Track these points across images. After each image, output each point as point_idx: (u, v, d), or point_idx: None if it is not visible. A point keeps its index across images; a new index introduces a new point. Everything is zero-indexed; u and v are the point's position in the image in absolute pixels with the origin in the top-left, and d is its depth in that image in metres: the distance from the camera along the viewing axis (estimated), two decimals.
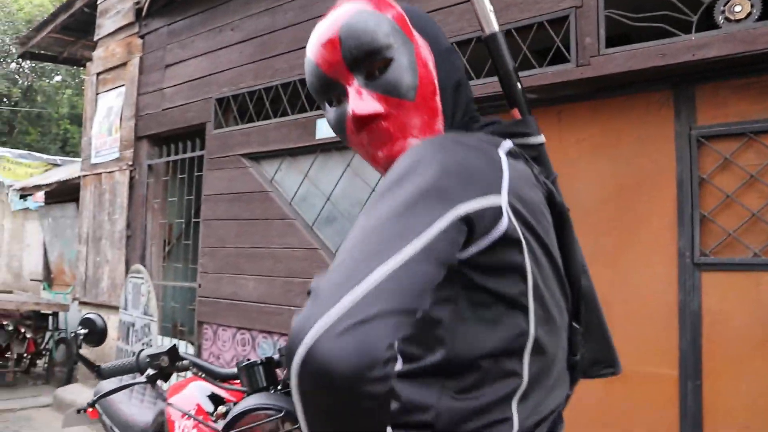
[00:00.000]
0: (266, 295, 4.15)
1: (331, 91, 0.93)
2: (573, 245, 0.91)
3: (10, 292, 8.54)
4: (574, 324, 0.92)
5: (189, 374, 1.80)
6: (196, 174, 4.87)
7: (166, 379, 1.68)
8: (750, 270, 2.59)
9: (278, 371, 1.56)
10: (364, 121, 0.89)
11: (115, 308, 5.57)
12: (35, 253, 10.63)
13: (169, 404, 1.73)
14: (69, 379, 6.67)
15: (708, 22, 2.67)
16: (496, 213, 0.73)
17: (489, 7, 0.96)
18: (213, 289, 4.53)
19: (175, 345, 1.67)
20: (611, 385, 2.86)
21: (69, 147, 24.86)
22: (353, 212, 3.83)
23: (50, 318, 7.13)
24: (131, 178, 5.43)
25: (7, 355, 6.72)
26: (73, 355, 1.91)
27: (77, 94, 26.47)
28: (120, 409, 2.21)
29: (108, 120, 5.76)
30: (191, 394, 1.73)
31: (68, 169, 8.95)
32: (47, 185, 7.71)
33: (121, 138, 5.55)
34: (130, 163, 5.43)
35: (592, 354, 1.00)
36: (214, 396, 1.70)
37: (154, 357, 1.65)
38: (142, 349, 1.73)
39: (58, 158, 12.28)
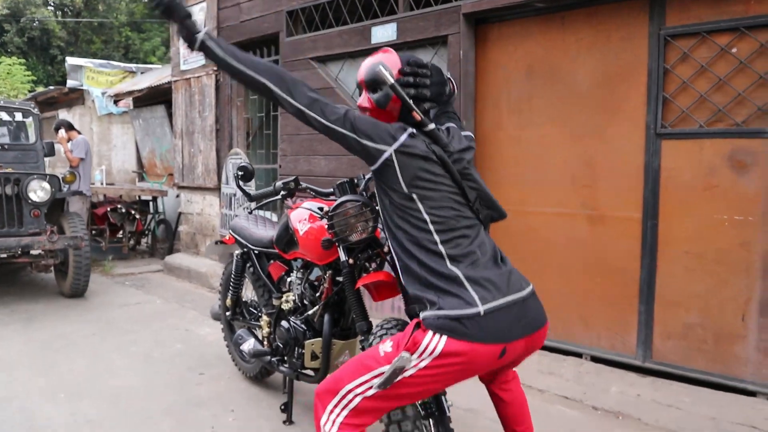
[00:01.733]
0: (335, 170, 5.24)
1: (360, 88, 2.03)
2: (454, 172, 1.91)
3: (112, 184, 9.98)
4: (468, 200, 1.93)
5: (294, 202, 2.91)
6: None
7: (291, 196, 2.75)
8: (696, 138, 3.49)
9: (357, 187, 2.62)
10: (362, 109, 1.99)
11: (209, 189, 6.83)
12: (120, 152, 12.06)
13: (289, 217, 2.84)
14: (170, 251, 8.10)
15: None
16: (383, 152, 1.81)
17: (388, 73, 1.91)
18: (291, 168, 5.65)
19: (296, 176, 2.75)
20: (594, 227, 3.88)
21: (131, 53, 26.13)
22: None
23: (150, 203, 8.50)
24: (217, 81, 6.50)
25: (119, 234, 8.16)
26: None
27: (134, 1, 27.43)
28: (250, 232, 3.36)
29: None
30: (303, 209, 2.81)
31: (150, 76, 10.08)
32: (138, 90, 8.88)
33: None
34: (215, 68, 6.48)
35: (488, 212, 2.02)
36: (321, 209, 2.78)
37: (286, 183, 2.72)
38: (275, 182, 2.80)
39: (132, 65, 13.43)
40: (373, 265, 2.53)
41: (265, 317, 3.13)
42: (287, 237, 2.85)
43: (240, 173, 2.82)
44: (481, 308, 1.71)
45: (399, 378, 1.72)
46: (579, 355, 3.96)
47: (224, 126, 6.54)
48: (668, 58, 3.58)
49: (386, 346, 1.82)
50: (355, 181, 2.61)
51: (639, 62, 3.69)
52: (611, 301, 3.83)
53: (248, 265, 3.40)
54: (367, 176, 2.59)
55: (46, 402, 3.35)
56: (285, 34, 5.65)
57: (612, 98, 3.80)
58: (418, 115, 1.90)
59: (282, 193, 2.74)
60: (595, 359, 3.89)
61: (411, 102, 1.91)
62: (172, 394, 3.46)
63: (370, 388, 1.76)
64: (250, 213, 3.01)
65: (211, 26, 6.50)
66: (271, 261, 3.21)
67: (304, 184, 2.77)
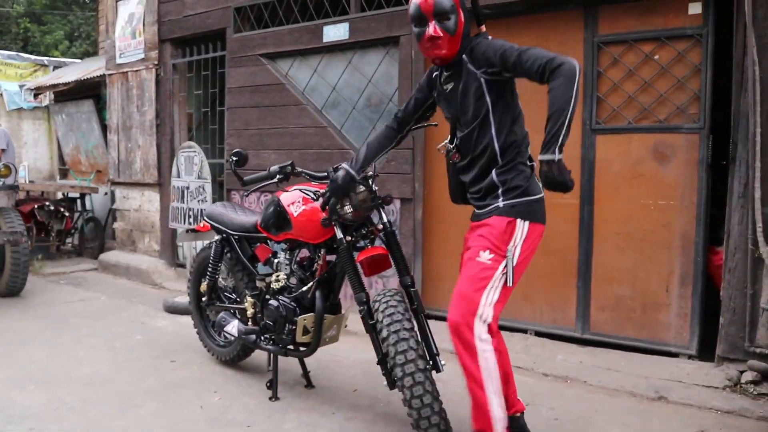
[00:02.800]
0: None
1: (421, 20, 2.29)
2: None
3: (32, 182, 9.57)
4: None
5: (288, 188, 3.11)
6: (219, 71, 5.98)
7: (287, 180, 2.94)
8: (626, 133, 3.98)
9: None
10: (432, 38, 2.27)
11: (149, 185, 6.78)
12: (32, 150, 11.52)
13: (279, 201, 3.04)
14: (102, 250, 7.91)
15: None
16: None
17: None
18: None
19: (292, 161, 2.94)
20: None
21: (31, 46, 24.72)
22: (353, 98, 5.05)
23: (78, 201, 8.26)
24: (157, 75, 6.48)
25: (44, 234, 7.86)
26: (231, 172, 2.96)
27: None
28: (229, 218, 3.50)
29: (131, 25, 6.71)
30: (295, 192, 3.02)
31: (75, 69, 9.74)
32: (65, 84, 8.59)
33: (145, 41, 6.54)
34: (156, 62, 6.46)
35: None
36: (315, 193, 2.97)
37: (283, 167, 2.91)
38: (272, 167, 2.98)
39: (44, 59, 12.84)
40: (365, 242, 2.78)
41: (249, 299, 3.29)
42: (277, 219, 3.04)
43: (234, 158, 2.97)
44: (543, 194, 2.41)
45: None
46: (524, 331, 4.36)
47: (165, 121, 6.53)
48: (601, 62, 4.04)
49: (485, 255, 2.29)
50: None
51: None
52: (552, 279, 4.26)
53: (226, 250, 3.54)
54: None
55: (17, 392, 3.34)
56: (232, 30, 5.75)
57: None
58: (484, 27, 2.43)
59: (278, 177, 2.92)
60: (539, 334, 4.31)
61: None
62: (148, 379, 3.55)
63: (497, 288, 2.28)
64: (247, 196, 3.15)
65: (152, 20, 6.48)
66: (257, 244, 3.37)
67: (299, 169, 2.96)
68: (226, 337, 3.78)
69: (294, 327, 2.97)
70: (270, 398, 3.21)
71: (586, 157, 4.10)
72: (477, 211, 2.50)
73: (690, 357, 3.79)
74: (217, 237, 3.56)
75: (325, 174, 2.91)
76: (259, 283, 3.27)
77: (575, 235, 4.17)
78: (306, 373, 3.39)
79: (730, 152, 3.61)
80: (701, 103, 3.73)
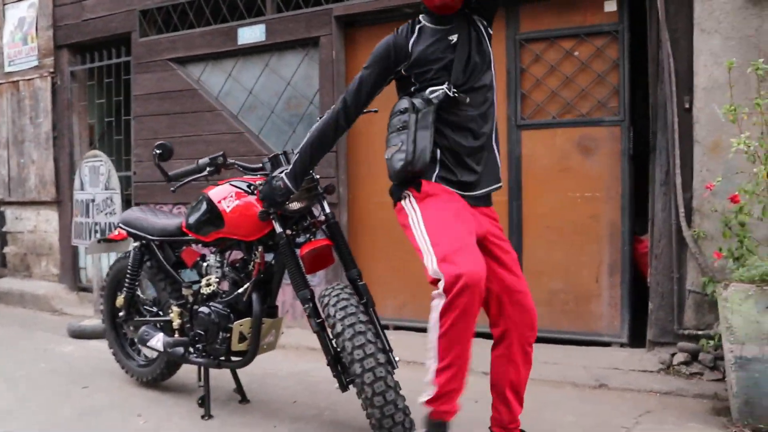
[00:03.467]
0: None
1: None
2: None
3: None
4: None
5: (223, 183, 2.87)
6: (123, 78, 5.59)
7: (218, 173, 2.70)
8: (550, 127, 4.04)
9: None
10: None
11: (46, 203, 6.22)
12: None
13: (208, 197, 2.80)
14: None
15: None
16: None
17: None
18: (148, 175, 5.38)
19: (224, 152, 2.71)
20: None
21: None
22: (271, 101, 4.86)
23: None
24: (53, 84, 5.98)
25: None
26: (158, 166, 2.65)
27: None
28: (148, 222, 3.20)
29: (21, 30, 6.17)
30: (226, 187, 2.79)
31: None
32: None
33: (38, 47, 6.03)
34: (51, 70, 5.97)
35: None
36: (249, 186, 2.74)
37: (213, 158, 2.67)
38: (200, 159, 2.73)
39: None
40: (307, 236, 2.61)
41: (175, 308, 3.01)
42: (205, 218, 2.80)
43: (158, 151, 2.70)
44: None
45: None
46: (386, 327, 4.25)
47: (63, 133, 6.03)
48: (524, 59, 4.10)
49: None
50: (288, 153, 2.67)
51: (498, 62, 4.12)
52: None
53: (145, 258, 3.24)
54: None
55: None
56: (138, 34, 5.41)
57: None
58: None
59: (208, 169, 2.69)
60: (478, 334, 4.23)
61: None
62: (62, 409, 3.15)
63: None
64: (174, 191, 2.87)
65: (46, 24, 5.99)
66: (182, 248, 3.10)
67: (231, 160, 2.74)
68: (146, 356, 3.45)
69: (228, 335, 2.74)
70: (203, 417, 2.93)
71: (512, 153, 4.12)
72: (481, 189, 2.33)
73: (622, 345, 3.85)
74: (135, 244, 3.25)
75: (260, 166, 2.71)
76: (185, 291, 3.00)
77: (505, 233, 4.14)
78: (240, 387, 3.14)
79: (650, 142, 3.74)
80: (620, 96, 3.85)
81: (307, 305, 2.52)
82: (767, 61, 2.99)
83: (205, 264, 2.93)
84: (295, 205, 2.51)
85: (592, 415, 2.93)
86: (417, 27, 2.30)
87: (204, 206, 2.83)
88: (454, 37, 2.25)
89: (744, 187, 2.97)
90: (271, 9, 4.80)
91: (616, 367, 3.57)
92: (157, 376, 3.33)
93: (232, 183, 2.79)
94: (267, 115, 4.88)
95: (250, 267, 2.74)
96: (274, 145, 4.80)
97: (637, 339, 3.85)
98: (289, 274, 2.56)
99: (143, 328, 3.13)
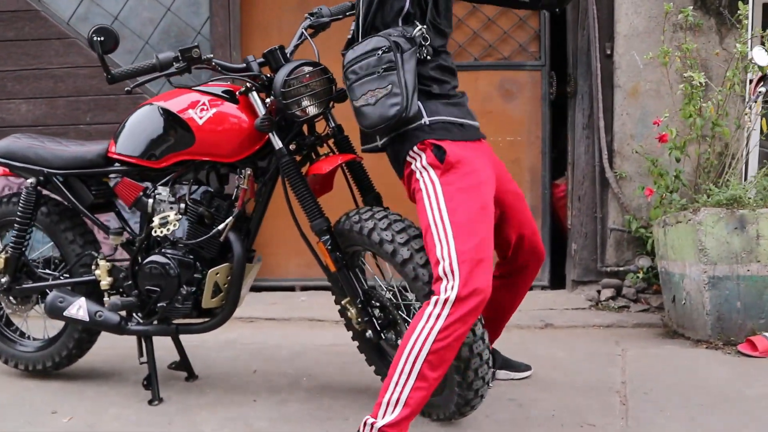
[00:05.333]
0: (46, 116, 4.15)
1: None
2: None
3: None
4: None
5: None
6: None
7: (188, 71, 2.00)
8: (472, 70, 3.92)
9: None
10: None
11: None
12: None
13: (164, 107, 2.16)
14: None
15: None
16: None
17: None
18: None
19: (197, 43, 2.07)
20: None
21: None
22: (145, 31, 4.08)
23: None
24: None
25: None
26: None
27: None
28: (48, 150, 2.40)
29: None
30: (190, 93, 2.15)
31: None
32: None
33: None
34: None
35: None
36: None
37: (184, 51, 1.96)
38: (161, 54, 2.01)
39: None
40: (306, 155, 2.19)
41: (103, 263, 2.34)
42: (161, 136, 2.18)
43: (99, 38, 1.95)
44: None
45: None
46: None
47: None
48: None
49: None
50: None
51: None
52: None
53: (42, 201, 2.47)
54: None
55: None
56: None
57: None
58: None
59: (176, 66, 2.02)
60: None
61: None
62: None
63: None
64: (129, 92, 2.13)
65: None
66: (115, 181, 2.37)
67: (208, 56, 2.10)
68: (36, 338, 2.70)
69: (193, 289, 2.19)
70: (151, 401, 2.34)
71: None
72: (473, 119, 2.06)
73: (543, 288, 3.94)
74: (30, 180, 2.44)
75: (244, 65, 2.16)
76: (113, 240, 2.35)
77: None
78: (185, 361, 2.57)
79: (569, 87, 3.81)
80: (541, 41, 3.86)
81: (325, 237, 2.08)
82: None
83: (150, 200, 2.27)
84: (312, 110, 2.05)
85: (575, 349, 2.91)
86: None
87: (160, 119, 2.20)
88: None
89: (672, 128, 3.19)
90: None
91: (550, 308, 3.63)
92: (61, 361, 2.58)
93: (196, 88, 2.20)
94: (139, 47, 4.08)
95: (227, 200, 2.20)
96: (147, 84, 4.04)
97: (555, 281, 3.97)
98: (299, 201, 2.08)
99: (52, 293, 2.37)
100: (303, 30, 2.27)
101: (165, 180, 2.26)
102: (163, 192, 2.24)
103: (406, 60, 1.83)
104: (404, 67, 1.82)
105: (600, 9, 3.67)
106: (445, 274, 1.76)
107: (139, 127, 2.27)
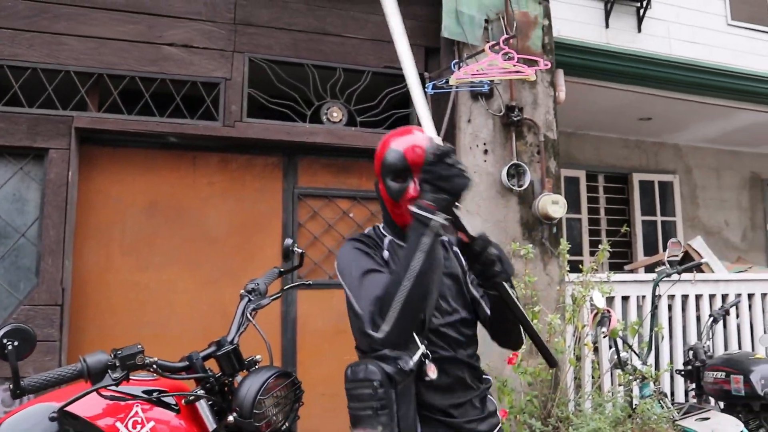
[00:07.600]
0: None
1: (403, 173, 1.57)
2: None
3: None
4: None
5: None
6: None
7: (127, 379, 1.58)
8: (326, 288, 3.88)
9: None
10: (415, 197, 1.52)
11: None
12: None
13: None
14: None
15: (316, 117, 3.91)
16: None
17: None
18: None
19: (140, 343, 1.62)
20: None
21: None
22: None
23: None
24: None
25: None
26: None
27: None
28: None
29: None
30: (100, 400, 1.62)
31: None
32: None
33: None
34: None
35: None
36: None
37: (127, 357, 1.54)
38: (88, 356, 1.52)
39: None
40: None
41: None
42: None
43: (12, 343, 1.44)
44: None
45: None
46: None
47: None
48: (301, 214, 3.92)
49: None
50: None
51: (273, 214, 3.88)
52: None
53: None
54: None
55: None
56: None
57: (248, 245, 3.82)
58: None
59: (113, 377, 1.55)
60: None
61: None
62: None
63: None
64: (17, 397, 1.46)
65: None
66: None
67: (151, 358, 1.68)
68: None
69: None
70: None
71: (287, 313, 3.81)
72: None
73: None
74: None
75: (186, 363, 1.81)
76: None
77: None
78: None
79: None
80: None
81: None
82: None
83: None
84: (278, 419, 1.78)
85: None
86: (386, 240, 1.71)
87: None
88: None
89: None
90: None
91: None
92: None
93: (103, 393, 1.64)
94: None
95: None
96: None
97: None
98: None
99: None
100: (248, 315, 2.03)
101: None
102: None
103: (400, 394, 1.51)
104: (399, 401, 1.50)
105: None
106: None
107: None
